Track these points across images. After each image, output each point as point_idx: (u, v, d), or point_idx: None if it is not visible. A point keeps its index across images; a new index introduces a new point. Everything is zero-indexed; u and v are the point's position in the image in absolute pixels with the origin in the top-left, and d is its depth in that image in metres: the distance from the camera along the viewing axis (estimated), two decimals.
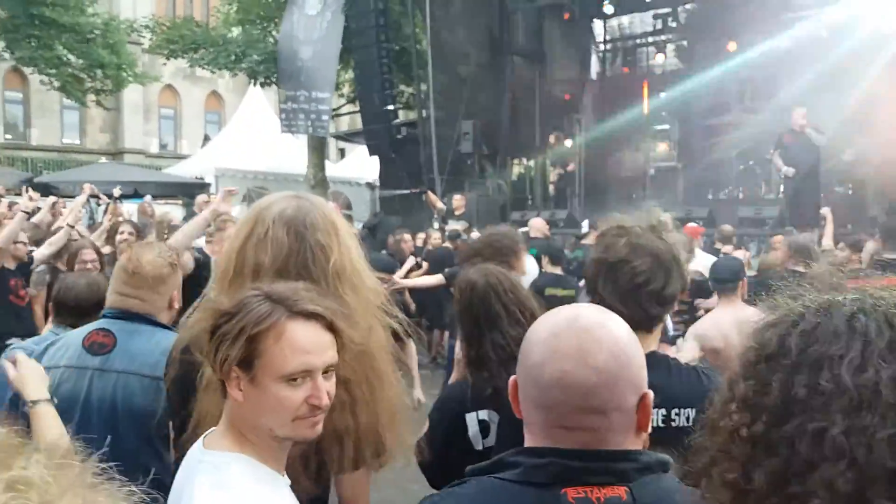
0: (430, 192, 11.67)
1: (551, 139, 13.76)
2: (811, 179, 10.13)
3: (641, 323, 1.73)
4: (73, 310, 2.77)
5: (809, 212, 9.24)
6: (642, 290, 1.77)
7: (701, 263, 6.46)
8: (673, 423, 1.73)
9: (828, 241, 7.11)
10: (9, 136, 27.24)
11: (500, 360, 2.24)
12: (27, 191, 6.70)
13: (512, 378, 1.21)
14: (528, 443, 1.17)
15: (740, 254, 7.00)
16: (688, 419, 1.71)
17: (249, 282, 1.62)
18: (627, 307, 1.71)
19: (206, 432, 1.45)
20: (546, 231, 8.26)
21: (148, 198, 12.02)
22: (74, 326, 2.63)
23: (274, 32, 17.54)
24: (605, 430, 1.12)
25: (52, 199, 7.26)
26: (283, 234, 1.66)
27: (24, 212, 5.60)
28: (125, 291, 2.29)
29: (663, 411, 1.73)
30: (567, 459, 1.11)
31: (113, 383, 2.17)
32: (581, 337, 1.12)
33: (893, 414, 0.74)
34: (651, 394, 1.15)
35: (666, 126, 15.48)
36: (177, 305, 2.38)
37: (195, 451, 1.43)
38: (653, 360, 1.73)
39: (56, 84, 18.76)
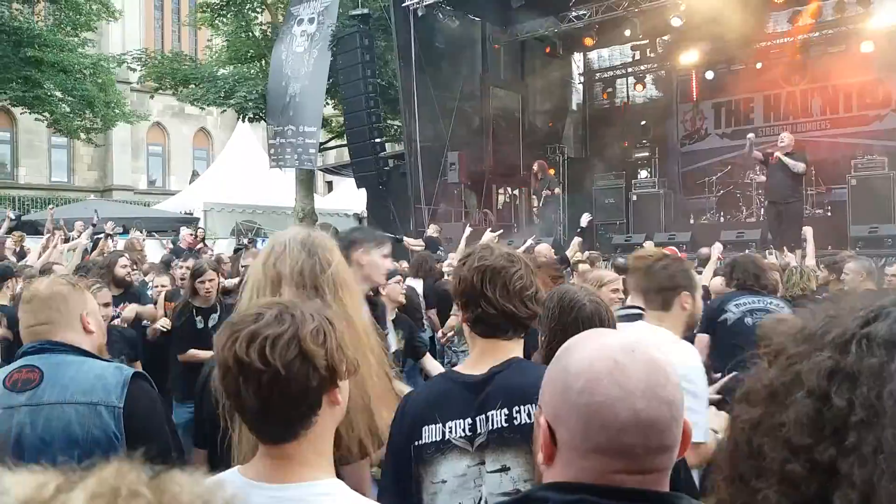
0: (405, 239, 11.62)
1: (534, 167, 14.01)
2: (795, 205, 10.22)
3: (524, 325, 1.88)
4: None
5: (792, 235, 9.31)
6: (525, 293, 1.87)
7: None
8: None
9: (810, 262, 6.76)
10: None
11: None
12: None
13: (543, 420, 1.02)
14: (558, 478, 1.01)
15: (718, 280, 6.48)
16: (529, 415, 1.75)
17: (271, 288, 2.04)
18: (518, 308, 1.84)
19: (240, 468, 1.38)
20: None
21: (135, 233, 12.10)
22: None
23: (262, 70, 17.82)
24: (667, 468, 0.98)
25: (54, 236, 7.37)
26: (299, 250, 2.11)
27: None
28: (30, 322, 2.22)
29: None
30: (606, 498, 0.96)
31: (45, 416, 2.06)
32: (647, 368, 0.97)
33: None
34: (689, 421, 1.01)
35: (647, 153, 15.78)
36: (93, 330, 2.26)
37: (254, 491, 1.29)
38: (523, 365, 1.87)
39: (49, 118, 18.84)
